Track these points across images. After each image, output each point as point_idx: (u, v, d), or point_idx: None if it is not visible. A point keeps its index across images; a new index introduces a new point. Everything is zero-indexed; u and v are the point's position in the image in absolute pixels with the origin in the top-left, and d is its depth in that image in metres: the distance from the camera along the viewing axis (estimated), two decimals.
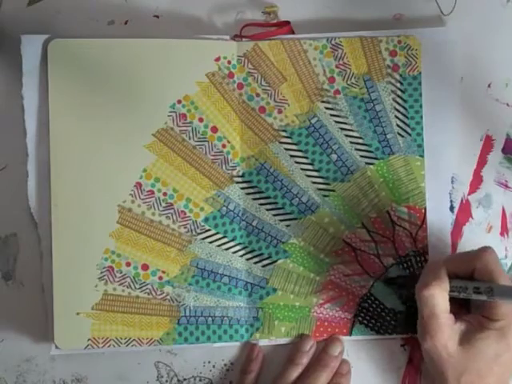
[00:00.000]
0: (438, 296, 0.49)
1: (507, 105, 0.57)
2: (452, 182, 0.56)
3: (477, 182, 0.57)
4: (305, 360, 0.55)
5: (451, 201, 0.56)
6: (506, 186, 0.57)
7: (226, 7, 0.57)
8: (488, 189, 0.57)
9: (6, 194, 0.56)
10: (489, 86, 0.57)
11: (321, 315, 0.55)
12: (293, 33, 0.56)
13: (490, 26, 0.57)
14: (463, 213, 0.57)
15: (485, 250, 0.50)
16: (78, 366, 0.56)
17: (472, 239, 0.57)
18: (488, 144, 0.57)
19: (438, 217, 0.56)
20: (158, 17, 0.57)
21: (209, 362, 0.56)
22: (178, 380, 0.56)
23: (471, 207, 0.57)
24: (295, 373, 0.54)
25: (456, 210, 0.57)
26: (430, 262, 0.55)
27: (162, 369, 0.56)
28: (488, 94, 0.57)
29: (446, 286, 0.50)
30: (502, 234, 0.57)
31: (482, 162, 0.57)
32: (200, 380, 0.56)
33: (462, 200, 0.57)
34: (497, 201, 0.57)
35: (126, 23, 0.56)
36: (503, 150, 0.57)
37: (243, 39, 0.56)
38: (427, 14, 0.57)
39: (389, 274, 0.55)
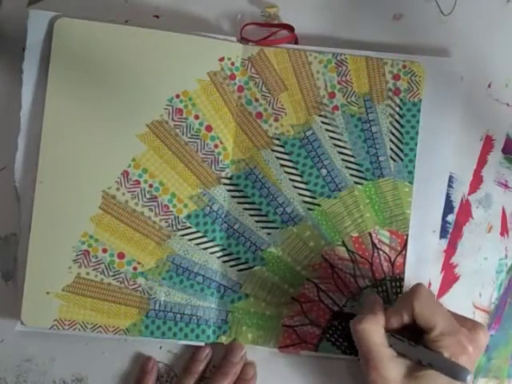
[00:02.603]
0: (371, 330, 0.49)
1: (507, 105, 0.57)
2: (452, 182, 0.56)
3: (477, 181, 0.57)
4: (200, 368, 0.55)
5: (451, 201, 0.56)
6: (506, 186, 0.57)
7: (227, 7, 0.57)
8: (488, 189, 0.57)
9: (5, 194, 0.55)
10: (489, 86, 0.57)
11: (289, 327, 0.55)
12: (297, 40, 0.56)
13: (490, 26, 0.57)
14: (463, 213, 0.57)
15: (416, 290, 0.49)
16: (78, 365, 0.56)
17: (472, 239, 0.57)
18: (488, 144, 0.57)
19: (419, 245, 0.56)
20: (157, 17, 0.57)
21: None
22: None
23: (471, 207, 0.57)
24: (191, 382, 0.54)
25: (456, 210, 0.57)
26: (366, 295, 0.55)
27: (161, 369, 0.56)
28: (488, 93, 0.57)
29: (380, 321, 0.49)
30: (502, 234, 0.57)
31: (482, 162, 0.57)
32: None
33: (462, 200, 0.57)
34: (497, 201, 0.57)
35: (126, 23, 0.56)
36: (503, 150, 0.57)
37: (249, 43, 0.56)
38: (428, 16, 0.57)
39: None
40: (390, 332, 0.50)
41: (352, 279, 0.55)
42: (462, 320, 0.50)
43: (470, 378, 0.46)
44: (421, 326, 0.49)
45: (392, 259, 0.55)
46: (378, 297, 0.53)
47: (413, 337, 0.50)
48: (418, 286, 0.50)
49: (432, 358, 0.48)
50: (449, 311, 0.51)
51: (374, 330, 0.49)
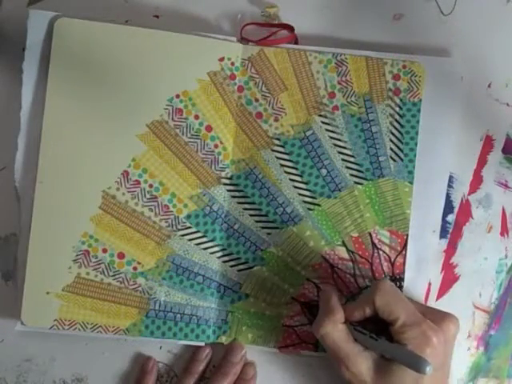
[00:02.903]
0: (332, 331, 0.49)
1: (507, 105, 0.57)
2: (452, 182, 0.56)
3: (477, 181, 0.57)
4: (200, 368, 0.55)
5: (451, 201, 0.56)
6: (506, 186, 0.57)
7: (227, 7, 0.57)
8: (488, 189, 0.57)
9: (5, 194, 0.55)
10: (489, 86, 0.57)
11: (290, 327, 0.55)
12: (297, 40, 0.56)
13: (490, 26, 0.57)
14: (463, 213, 0.57)
15: (379, 284, 0.50)
16: (78, 365, 0.56)
17: (472, 239, 0.57)
18: (488, 144, 0.57)
19: (419, 245, 0.56)
20: (157, 17, 0.57)
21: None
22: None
23: (471, 207, 0.57)
24: (191, 382, 0.55)
25: (456, 210, 0.57)
26: (321, 293, 0.54)
27: (161, 369, 0.56)
28: (488, 93, 0.57)
29: (339, 318, 0.50)
30: (502, 233, 0.57)
31: (482, 162, 0.57)
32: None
33: (462, 200, 0.57)
34: (497, 201, 0.57)
35: (126, 23, 0.56)
36: (503, 150, 0.57)
37: (249, 43, 0.56)
38: (428, 16, 0.57)
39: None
40: (353, 324, 0.50)
41: (352, 279, 0.55)
42: (430, 312, 0.51)
43: (429, 369, 0.46)
44: (384, 318, 0.49)
45: (392, 259, 0.55)
46: (332, 289, 0.53)
47: (380, 328, 0.50)
48: (380, 280, 0.51)
49: (393, 351, 0.48)
50: (416, 303, 0.51)
51: (335, 330, 0.49)
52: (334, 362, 0.50)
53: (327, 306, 0.51)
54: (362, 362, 0.49)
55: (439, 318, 0.50)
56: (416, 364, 0.47)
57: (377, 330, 0.50)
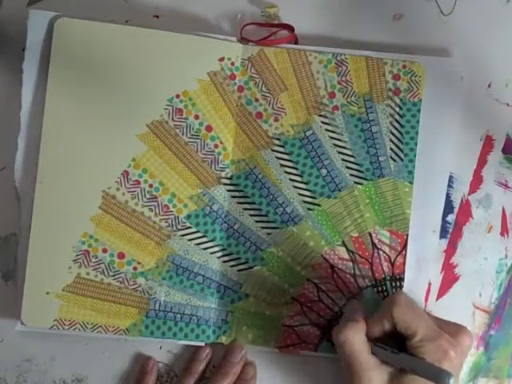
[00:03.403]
0: (353, 339, 0.49)
1: (507, 105, 0.57)
2: (452, 182, 0.56)
3: (477, 181, 0.57)
4: (200, 368, 0.55)
5: (451, 201, 0.56)
6: (506, 186, 0.57)
7: (227, 7, 0.57)
8: (488, 189, 0.57)
9: (5, 194, 0.55)
10: (489, 86, 0.57)
11: (290, 327, 0.55)
12: (297, 40, 0.56)
13: (490, 26, 0.57)
14: (463, 213, 0.57)
15: (396, 298, 0.50)
16: (78, 365, 0.56)
17: (472, 239, 0.57)
18: (488, 144, 0.57)
19: (419, 245, 0.56)
20: (157, 17, 0.57)
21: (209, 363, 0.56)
22: None
23: (471, 207, 0.57)
24: (191, 382, 0.55)
25: (456, 210, 0.57)
26: (347, 304, 0.55)
27: (161, 369, 0.56)
28: (488, 93, 0.57)
29: (361, 327, 0.50)
30: (502, 233, 0.57)
31: (482, 162, 0.57)
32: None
33: (462, 200, 0.57)
34: (497, 201, 0.57)
35: (126, 23, 0.56)
36: (503, 150, 0.57)
37: (249, 43, 0.56)
38: (428, 16, 0.57)
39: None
40: (373, 341, 0.50)
41: (352, 279, 0.55)
42: (445, 325, 0.50)
43: (452, 381, 0.46)
44: (402, 332, 0.49)
45: (392, 259, 0.55)
46: (358, 303, 0.53)
47: (396, 344, 0.50)
48: (397, 293, 0.51)
49: (414, 364, 0.48)
50: (431, 316, 0.51)
51: (356, 338, 0.49)
52: (347, 369, 0.49)
53: (352, 315, 0.51)
54: (377, 375, 0.49)
55: (454, 330, 0.50)
56: (439, 377, 0.47)
57: (393, 345, 0.50)
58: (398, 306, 0.49)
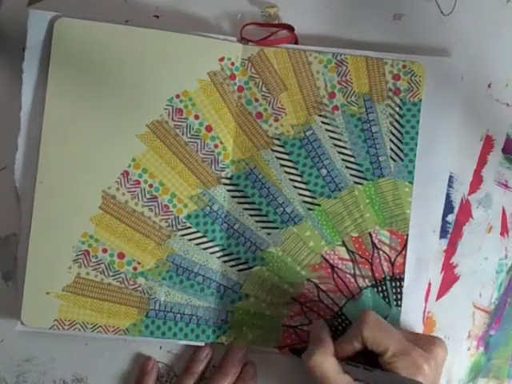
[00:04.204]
0: (323, 363, 0.49)
1: (507, 105, 0.57)
2: (452, 182, 0.57)
3: (477, 181, 0.57)
4: (200, 368, 0.55)
5: (451, 201, 0.56)
6: (506, 186, 0.57)
7: (227, 7, 0.57)
8: (488, 189, 0.57)
9: (6, 194, 0.55)
10: (489, 86, 0.57)
11: (289, 327, 0.55)
12: (297, 40, 0.56)
13: (490, 26, 0.57)
14: (463, 213, 0.57)
15: (364, 317, 0.50)
16: (78, 365, 0.56)
17: (472, 239, 0.57)
18: (488, 144, 0.57)
19: (419, 245, 0.56)
20: (157, 17, 0.57)
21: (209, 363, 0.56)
22: None
23: (471, 207, 0.57)
24: (191, 382, 0.55)
25: (456, 210, 0.57)
26: (313, 325, 0.54)
27: (161, 369, 0.56)
28: (488, 94, 0.57)
29: (330, 349, 0.50)
30: (502, 233, 0.57)
31: (482, 162, 0.57)
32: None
33: (462, 200, 0.57)
34: (497, 201, 0.57)
35: (126, 23, 0.56)
36: (503, 150, 0.57)
37: (249, 43, 0.56)
38: (428, 16, 0.57)
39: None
40: (344, 359, 0.50)
41: (352, 279, 0.56)
42: (418, 338, 0.51)
43: None
44: (373, 350, 0.49)
45: (392, 259, 0.55)
46: (322, 322, 0.54)
47: (368, 360, 0.50)
48: (365, 313, 0.51)
49: (388, 379, 0.48)
50: (404, 332, 0.52)
51: (325, 361, 0.49)
52: None
53: (318, 338, 0.51)
54: None
55: (427, 343, 0.50)
56: None
57: (366, 362, 0.50)
58: (366, 325, 0.50)
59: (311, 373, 0.49)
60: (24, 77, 0.54)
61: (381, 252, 0.56)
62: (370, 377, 0.49)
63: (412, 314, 0.55)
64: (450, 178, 0.57)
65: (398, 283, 0.55)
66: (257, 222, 0.55)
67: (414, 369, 0.48)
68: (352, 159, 0.56)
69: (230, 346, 0.55)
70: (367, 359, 0.50)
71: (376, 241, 0.56)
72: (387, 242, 0.55)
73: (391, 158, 0.56)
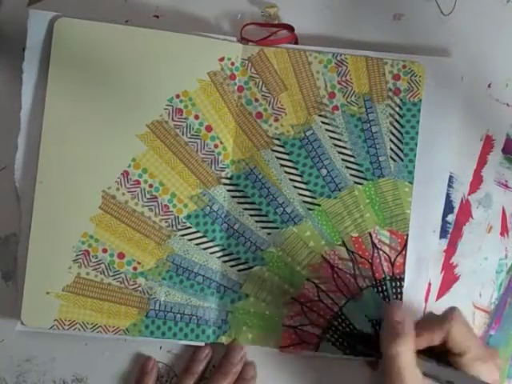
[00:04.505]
0: (403, 354, 0.47)
1: (507, 105, 0.57)
2: (452, 182, 0.57)
3: (477, 181, 0.57)
4: (200, 368, 0.55)
5: (451, 201, 0.56)
6: (506, 186, 0.57)
7: (227, 7, 0.57)
8: (488, 189, 0.57)
9: (6, 194, 0.55)
10: (489, 86, 0.57)
11: (289, 327, 0.55)
12: (297, 40, 0.56)
13: (490, 26, 0.57)
14: (463, 213, 0.57)
15: (455, 314, 0.49)
16: (78, 365, 0.56)
17: (472, 239, 0.57)
18: (488, 144, 0.57)
19: (419, 245, 0.56)
20: (157, 17, 0.57)
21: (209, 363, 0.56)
22: None
23: (471, 207, 0.57)
24: (191, 382, 0.55)
25: (456, 210, 0.57)
26: (394, 308, 0.51)
27: (161, 369, 0.56)
28: (488, 94, 0.57)
29: (412, 341, 0.48)
30: (502, 233, 0.57)
31: (482, 162, 0.57)
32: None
33: (462, 200, 0.57)
34: (497, 201, 0.57)
35: (126, 23, 0.56)
36: (503, 150, 0.57)
37: (249, 43, 0.56)
38: (428, 16, 0.57)
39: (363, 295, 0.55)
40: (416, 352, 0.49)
41: (352, 279, 0.55)
42: (483, 347, 0.50)
43: None
44: (452, 348, 0.48)
45: (392, 259, 0.55)
46: (407, 315, 0.50)
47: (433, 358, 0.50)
48: (453, 309, 0.49)
49: (465, 380, 0.47)
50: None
51: (406, 352, 0.47)
52: (390, 382, 0.47)
53: (402, 326, 0.49)
54: None
55: (489, 353, 0.50)
56: None
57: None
58: (457, 322, 0.48)
59: (387, 360, 0.48)
60: (24, 77, 0.54)
61: (381, 252, 0.56)
62: (444, 374, 0.48)
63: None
64: (450, 178, 0.57)
65: (398, 283, 0.55)
66: (257, 221, 0.55)
67: (488, 376, 0.47)
68: (352, 159, 0.56)
69: (230, 345, 0.55)
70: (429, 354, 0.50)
71: (376, 241, 0.56)
72: (387, 241, 0.55)
73: (391, 158, 0.56)
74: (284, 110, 0.56)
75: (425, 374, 0.48)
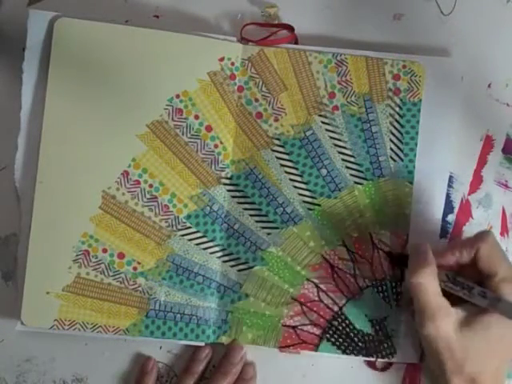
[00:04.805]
0: (426, 282, 0.49)
1: (507, 105, 0.57)
2: (452, 182, 0.56)
3: (477, 181, 0.57)
4: (200, 368, 0.55)
5: (451, 201, 0.56)
6: (506, 186, 0.57)
7: (227, 7, 0.57)
8: (488, 189, 0.57)
9: (6, 193, 0.55)
10: (489, 86, 0.57)
11: (289, 327, 0.55)
12: (297, 40, 0.56)
13: (490, 26, 0.57)
14: (463, 213, 0.57)
15: (486, 234, 0.50)
16: (78, 365, 0.56)
17: None
18: (488, 144, 0.57)
19: None
20: (157, 17, 0.57)
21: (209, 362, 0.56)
22: None
23: (471, 207, 0.57)
24: (191, 382, 0.55)
25: (456, 210, 0.57)
26: (415, 245, 0.52)
27: (161, 369, 0.56)
28: (488, 94, 0.57)
29: (435, 270, 0.49)
30: (501, 234, 0.57)
31: (482, 162, 0.57)
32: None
33: (462, 200, 0.57)
34: (497, 201, 0.57)
35: (126, 23, 0.56)
36: (503, 150, 0.57)
37: (249, 43, 0.56)
38: (428, 16, 0.57)
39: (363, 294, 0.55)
40: (445, 272, 0.50)
41: (352, 279, 0.55)
42: None
43: None
44: (482, 269, 0.49)
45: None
46: (428, 245, 0.51)
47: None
48: (486, 231, 0.51)
49: (496, 301, 0.48)
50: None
51: (430, 281, 0.49)
52: (419, 312, 0.49)
53: (424, 257, 0.50)
54: (448, 320, 0.48)
55: None
56: None
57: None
58: (487, 242, 0.49)
59: (412, 290, 0.49)
60: (24, 77, 0.54)
61: (381, 252, 0.56)
62: (472, 293, 0.48)
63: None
64: (450, 178, 0.57)
65: (399, 283, 0.55)
66: (257, 222, 0.55)
67: None
68: (352, 159, 0.56)
69: (230, 346, 0.55)
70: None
71: (376, 241, 0.56)
72: (387, 242, 0.55)
73: (391, 158, 0.56)
74: (284, 110, 0.56)
75: (454, 302, 0.49)
